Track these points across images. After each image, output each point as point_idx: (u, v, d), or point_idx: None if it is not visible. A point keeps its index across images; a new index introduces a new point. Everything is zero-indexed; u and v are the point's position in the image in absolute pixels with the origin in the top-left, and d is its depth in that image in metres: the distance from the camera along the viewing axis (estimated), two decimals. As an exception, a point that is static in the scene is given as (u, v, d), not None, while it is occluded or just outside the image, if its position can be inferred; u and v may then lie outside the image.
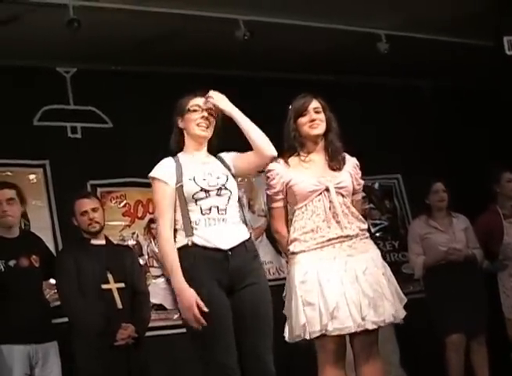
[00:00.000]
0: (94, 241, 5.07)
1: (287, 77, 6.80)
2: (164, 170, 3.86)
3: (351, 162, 4.10)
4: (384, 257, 4.10)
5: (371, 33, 6.45)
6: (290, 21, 6.08)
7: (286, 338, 3.91)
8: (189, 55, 6.23)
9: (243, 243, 3.78)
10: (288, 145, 4.07)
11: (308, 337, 3.77)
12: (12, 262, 4.76)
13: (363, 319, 3.74)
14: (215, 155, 4.02)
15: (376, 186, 7.51)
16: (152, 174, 3.88)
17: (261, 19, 5.97)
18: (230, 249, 3.72)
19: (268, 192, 4.05)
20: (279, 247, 4.41)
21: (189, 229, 3.74)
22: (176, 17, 5.73)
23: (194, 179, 3.78)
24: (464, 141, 7.64)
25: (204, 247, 3.71)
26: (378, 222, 7.35)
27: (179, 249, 3.75)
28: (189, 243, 3.72)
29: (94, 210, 5.07)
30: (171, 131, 4.01)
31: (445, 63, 7.03)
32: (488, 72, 7.12)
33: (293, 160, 4.05)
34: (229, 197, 3.81)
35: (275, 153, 3.89)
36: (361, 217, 4.01)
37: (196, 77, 6.35)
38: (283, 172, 3.99)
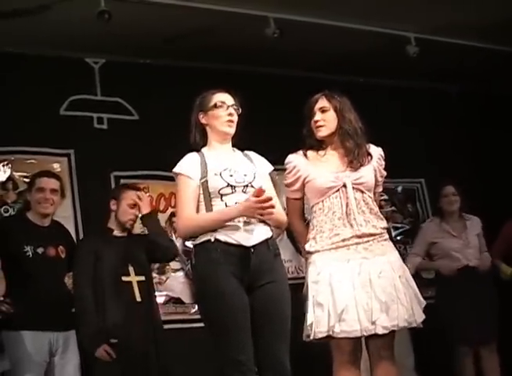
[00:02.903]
0: (117, 233, 5.07)
1: (314, 77, 6.78)
2: (188, 165, 3.84)
3: (376, 153, 4.06)
4: (404, 260, 4.07)
5: (401, 35, 6.42)
6: (320, 21, 6.07)
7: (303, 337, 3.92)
8: (217, 51, 6.24)
9: (266, 241, 3.77)
10: (307, 144, 4.06)
11: (313, 337, 3.77)
12: (40, 250, 4.81)
13: (373, 323, 3.71)
14: (242, 151, 4.03)
15: (399, 189, 7.49)
16: (176, 169, 3.87)
17: (291, 18, 5.96)
18: (253, 246, 3.72)
19: (284, 183, 4.04)
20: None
21: None
22: (206, 13, 5.74)
23: (221, 175, 3.77)
24: (491, 147, 7.60)
25: (227, 243, 3.70)
26: (399, 225, 7.33)
27: (201, 244, 3.75)
28: (212, 238, 3.71)
29: (139, 209, 5.08)
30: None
31: (473, 68, 6.99)
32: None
33: (311, 153, 4.03)
34: None
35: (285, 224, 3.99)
36: (380, 214, 3.97)
37: (223, 73, 6.36)
38: (301, 165, 3.98)
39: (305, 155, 4.01)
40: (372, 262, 3.81)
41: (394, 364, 3.90)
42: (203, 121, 3.94)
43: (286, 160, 4.02)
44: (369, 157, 4.00)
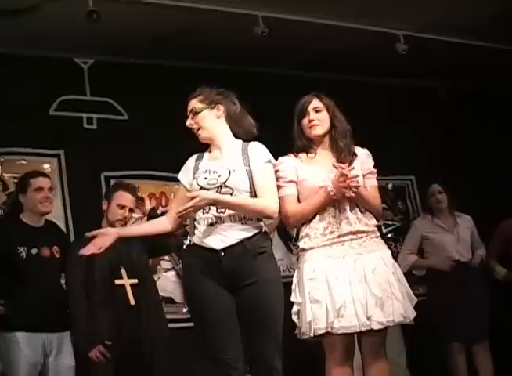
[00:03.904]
0: None
1: (303, 75, 6.79)
2: (183, 170, 3.97)
3: (363, 154, 4.09)
4: (394, 258, 4.09)
5: (390, 33, 6.43)
6: (309, 19, 6.07)
7: (298, 335, 3.92)
8: (206, 50, 6.24)
9: (242, 242, 3.73)
10: (296, 145, 4.08)
11: (312, 334, 3.78)
12: (33, 250, 4.81)
13: (369, 318, 3.74)
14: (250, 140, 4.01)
15: (390, 186, 7.50)
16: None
17: (280, 16, 5.96)
18: (223, 249, 3.71)
19: (278, 183, 3.94)
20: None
21: (192, 228, 3.82)
22: (195, 12, 5.73)
23: (197, 179, 3.82)
24: (480, 144, 7.62)
25: (201, 247, 3.75)
26: (390, 222, 7.33)
27: (186, 247, 3.86)
28: (191, 242, 3.80)
29: (131, 210, 5.05)
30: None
31: (462, 65, 7.00)
32: (506, 75, 7.10)
33: (302, 155, 4.06)
34: (230, 195, 3.75)
35: (274, 215, 3.84)
36: (370, 214, 3.98)
37: (212, 72, 6.36)
38: (293, 165, 4.00)
39: (295, 157, 4.04)
40: (366, 258, 3.85)
41: (387, 361, 3.93)
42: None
43: (277, 162, 3.99)
44: (354, 156, 4.03)
